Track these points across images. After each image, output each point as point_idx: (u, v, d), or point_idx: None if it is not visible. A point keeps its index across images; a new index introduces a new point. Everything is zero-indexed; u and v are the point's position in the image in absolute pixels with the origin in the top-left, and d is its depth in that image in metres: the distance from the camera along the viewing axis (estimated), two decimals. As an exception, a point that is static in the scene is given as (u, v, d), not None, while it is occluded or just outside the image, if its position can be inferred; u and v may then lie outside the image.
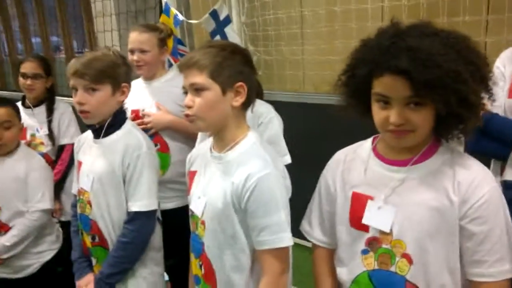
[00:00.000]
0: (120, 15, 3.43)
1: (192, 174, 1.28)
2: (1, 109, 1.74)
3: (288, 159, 1.71)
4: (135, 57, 1.91)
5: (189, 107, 1.12)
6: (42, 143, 2.27)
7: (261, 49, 2.92)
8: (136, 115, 1.92)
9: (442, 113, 0.90)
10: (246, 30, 2.83)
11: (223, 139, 1.18)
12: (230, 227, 1.14)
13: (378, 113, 0.95)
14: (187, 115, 1.14)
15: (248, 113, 1.65)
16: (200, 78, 1.10)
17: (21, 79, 2.26)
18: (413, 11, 2.28)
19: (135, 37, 1.92)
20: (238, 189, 1.10)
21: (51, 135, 2.27)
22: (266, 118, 1.68)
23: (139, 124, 1.82)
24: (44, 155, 2.19)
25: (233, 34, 2.36)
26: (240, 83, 1.13)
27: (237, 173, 1.12)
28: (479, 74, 0.90)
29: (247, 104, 1.17)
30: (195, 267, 1.25)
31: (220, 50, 1.12)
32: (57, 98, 2.40)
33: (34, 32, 5.96)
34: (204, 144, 1.32)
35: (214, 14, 2.35)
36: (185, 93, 1.15)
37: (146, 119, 1.90)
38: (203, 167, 1.24)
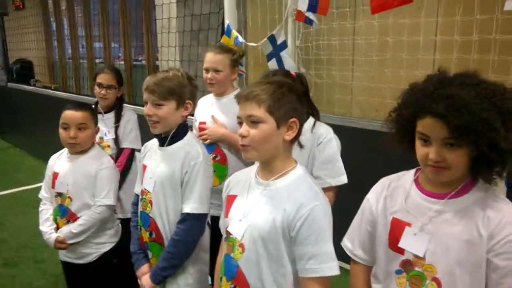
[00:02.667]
0: (183, 33, 3.67)
1: (231, 198, 1.33)
2: (78, 113, 1.95)
3: (344, 179, 1.79)
4: (209, 75, 2.07)
5: (244, 136, 1.19)
6: (108, 146, 2.48)
7: (313, 72, 3.06)
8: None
9: (474, 155, 1.00)
10: (299, 53, 2.98)
11: (271, 168, 1.24)
12: (275, 252, 1.19)
13: (419, 149, 1.07)
14: (242, 145, 1.20)
15: (308, 133, 1.79)
16: (258, 111, 1.18)
17: (96, 88, 2.48)
18: (464, 46, 2.35)
19: (211, 58, 2.07)
20: (290, 216, 1.16)
21: (116, 140, 2.48)
22: (325, 139, 1.78)
23: (200, 135, 1.99)
24: (110, 157, 2.38)
25: (288, 58, 2.51)
26: (293, 119, 1.21)
27: (289, 201, 1.18)
28: None
29: (296, 138, 1.25)
30: None
31: (279, 87, 1.21)
32: (125, 105, 2.62)
33: (97, 38, 6.41)
34: (243, 171, 1.39)
35: (272, 39, 2.51)
36: (240, 123, 1.22)
37: (203, 131, 2.08)
38: (245, 192, 1.29)
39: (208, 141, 2.05)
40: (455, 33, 2.37)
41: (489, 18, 2.20)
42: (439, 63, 2.49)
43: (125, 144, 2.50)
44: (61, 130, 1.95)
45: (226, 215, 1.32)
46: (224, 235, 1.34)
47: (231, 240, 1.27)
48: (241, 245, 1.23)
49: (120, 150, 2.50)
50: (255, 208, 1.24)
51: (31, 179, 5.02)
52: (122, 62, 5.98)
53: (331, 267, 1.16)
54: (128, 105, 3.33)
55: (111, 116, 2.51)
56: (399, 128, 1.12)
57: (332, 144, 1.79)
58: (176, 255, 1.60)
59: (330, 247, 1.17)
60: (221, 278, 1.31)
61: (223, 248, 1.33)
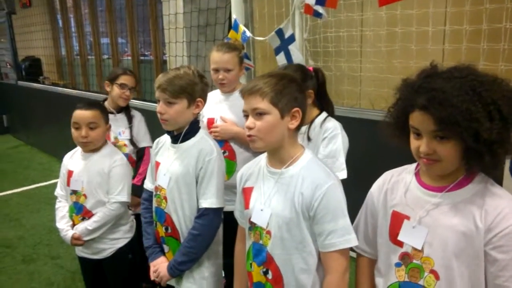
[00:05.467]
0: (191, 28, 3.67)
1: (248, 190, 1.40)
2: (88, 112, 1.98)
3: (344, 174, 1.81)
4: (220, 76, 2.06)
5: (250, 128, 1.27)
6: (125, 145, 2.53)
7: (321, 64, 3.05)
8: (211, 123, 2.12)
9: (464, 147, 1.00)
10: (307, 46, 2.98)
11: (280, 156, 1.31)
12: (299, 234, 1.27)
13: (412, 143, 1.08)
14: (249, 136, 1.28)
15: (318, 127, 1.80)
16: (262, 104, 1.25)
17: (119, 89, 2.48)
18: (474, 36, 2.33)
19: (220, 57, 2.06)
20: (308, 199, 1.24)
21: (131, 140, 2.54)
22: (330, 134, 1.80)
23: (210, 132, 2.01)
24: (128, 156, 2.47)
25: (296, 52, 2.51)
26: (296, 109, 1.27)
27: (305, 185, 1.25)
28: (502, 114, 0.98)
29: (300, 126, 1.31)
30: (257, 275, 1.35)
31: (280, 79, 1.27)
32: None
33: (104, 34, 6.44)
34: (253, 162, 1.45)
35: (280, 32, 2.51)
36: (246, 116, 1.29)
37: (213, 129, 2.08)
38: (260, 182, 1.36)
39: (218, 138, 2.06)
40: (465, 22, 2.35)
41: (499, 7, 2.19)
42: (448, 53, 2.49)
43: (145, 143, 2.58)
44: (73, 130, 1.98)
45: (247, 207, 1.39)
46: (247, 226, 1.40)
47: (258, 229, 1.34)
48: (268, 232, 1.31)
49: (140, 149, 2.57)
50: (273, 198, 1.31)
51: (43, 176, 5.09)
52: (129, 58, 6.01)
53: (349, 240, 1.24)
54: (137, 101, 3.36)
55: (123, 116, 2.56)
56: (396, 123, 1.13)
57: (336, 140, 1.80)
58: (196, 250, 1.63)
59: (346, 222, 1.24)
60: (250, 264, 1.38)
61: (250, 237, 1.38)
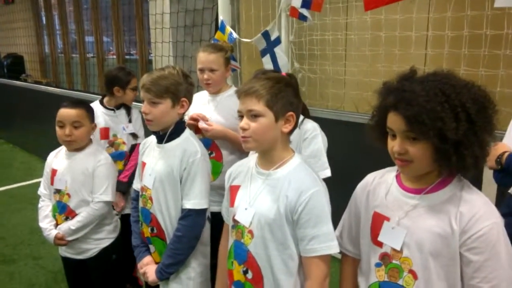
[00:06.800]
0: (177, 29, 3.67)
1: (235, 188, 1.40)
2: (72, 111, 1.96)
3: (328, 173, 1.85)
4: (205, 75, 2.06)
5: (244, 129, 1.27)
6: (123, 143, 2.53)
7: (306, 67, 3.09)
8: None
9: (434, 148, 1.02)
10: (293, 48, 3.01)
11: (270, 158, 1.32)
12: (281, 236, 1.27)
13: (389, 144, 1.11)
14: (242, 136, 1.28)
15: (296, 129, 1.83)
16: (257, 106, 1.25)
17: (133, 93, 2.52)
18: (455, 42, 2.39)
19: (205, 58, 2.06)
20: (292, 202, 1.25)
21: (134, 134, 2.56)
22: (311, 135, 1.84)
23: (197, 132, 2.00)
24: (125, 153, 2.50)
25: (282, 54, 2.53)
26: (291, 113, 1.29)
27: (290, 188, 1.26)
28: (470, 117, 1.00)
29: (293, 130, 1.33)
30: (237, 274, 1.35)
31: (276, 82, 1.28)
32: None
33: (88, 32, 6.39)
34: (242, 162, 1.47)
35: (266, 35, 2.53)
36: (241, 116, 1.30)
37: (207, 124, 2.03)
38: (247, 181, 1.37)
39: (209, 134, 2.03)
40: (447, 28, 2.41)
41: (479, 14, 2.25)
42: (431, 58, 2.55)
43: (139, 140, 2.57)
44: (57, 128, 1.96)
45: (232, 205, 1.40)
46: (231, 223, 1.41)
47: (240, 228, 1.35)
48: (250, 232, 1.32)
49: (131, 146, 2.56)
50: (259, 197, 1.32)
51: (24, 175, 5.01)
52: (114, 57, 5.97)
53: (330, 246, 1.25)
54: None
55: (122, 112, 2.57)
56: (376, 125, 1.16)
57: (317, 140, 1.85)
58: (181, 251, 1.63)
59: (329, 228, 1.25)
60: (232, 262, 1.38)
61: (232, 235, 1.39)
